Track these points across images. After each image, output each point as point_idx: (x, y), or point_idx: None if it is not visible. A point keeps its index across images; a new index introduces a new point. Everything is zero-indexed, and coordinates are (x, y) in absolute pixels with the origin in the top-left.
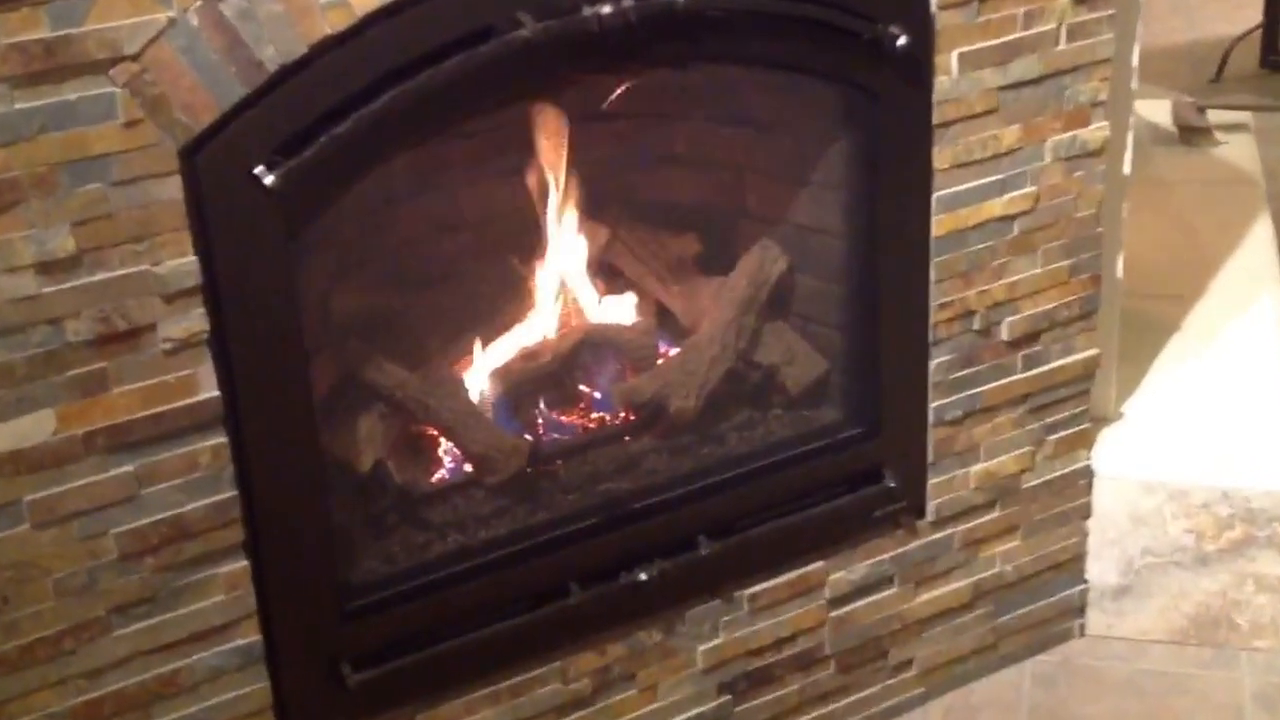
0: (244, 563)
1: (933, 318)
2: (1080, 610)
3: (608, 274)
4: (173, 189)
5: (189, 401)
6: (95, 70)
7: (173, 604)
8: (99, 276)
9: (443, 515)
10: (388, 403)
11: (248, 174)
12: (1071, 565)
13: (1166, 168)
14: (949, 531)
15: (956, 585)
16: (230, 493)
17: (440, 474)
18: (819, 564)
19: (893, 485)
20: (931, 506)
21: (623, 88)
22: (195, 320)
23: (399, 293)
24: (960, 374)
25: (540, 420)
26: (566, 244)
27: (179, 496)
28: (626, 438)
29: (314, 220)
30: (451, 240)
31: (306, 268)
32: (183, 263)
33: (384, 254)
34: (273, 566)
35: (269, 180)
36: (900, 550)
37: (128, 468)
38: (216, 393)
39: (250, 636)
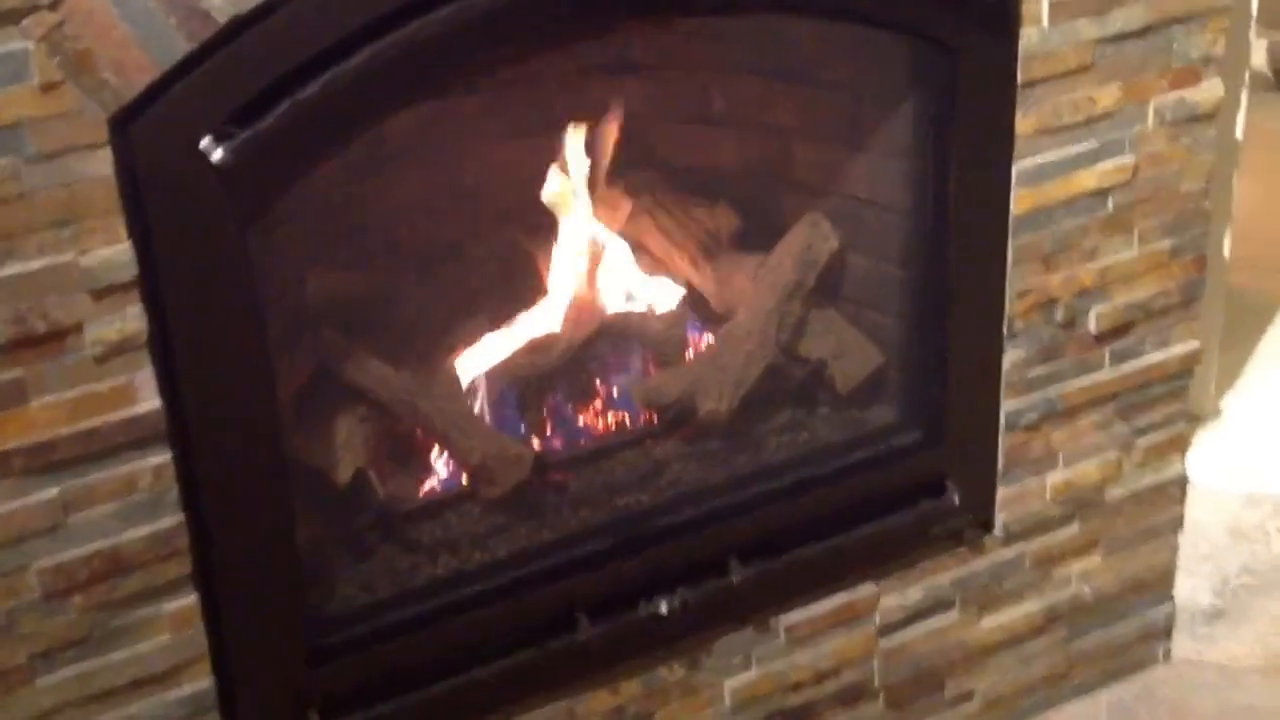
0: (193, 598)
1: (1009, 307)
2: (1166, 634)
3: (630, 252)
4: (101, 165)
5: (125, 414)
6: (4, 22)
7: (108, 647)
8: (13, 270)
9: (432, 534)
10: (369, 404)
11: (192, 148)
12: (1158, 584)
13: (1262, 119)
14: (1019, 549)
15: (1026, 608)
16: (175, 519)
17: (430, 486)
18: (868, 587)
19: (957, 498)
20: (1000, 521)
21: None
22: (131, 320)
23: (384, 276)
24: (1038, 371)
25: (548, 424)
26: (582, 218)
27: (114, 524)
28: (648, 444)
29: (275, 201)
30: (446, 214)
31: (271, 246)
32: (115, 252)
33: (367, 230)
34: (228, 601)
35: (217, 156)
36: (963, 571)
37: (51, 492)
38: (158, 403)
39: (201, 682)
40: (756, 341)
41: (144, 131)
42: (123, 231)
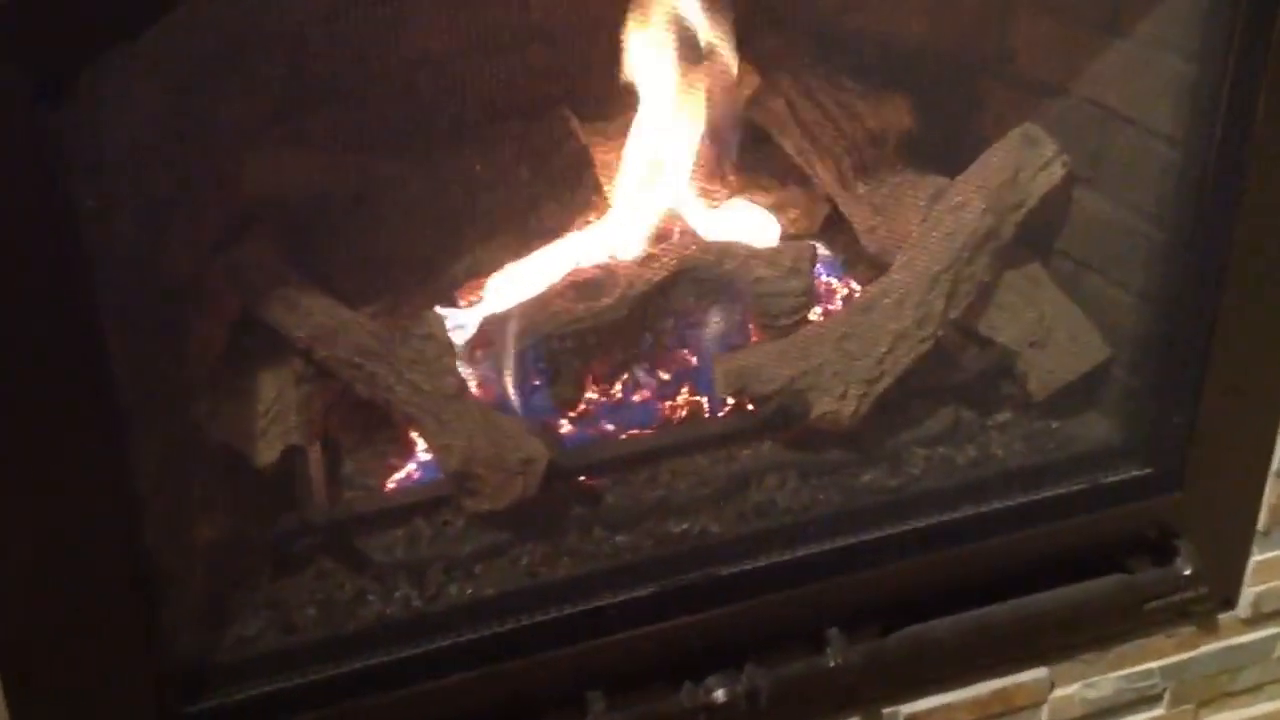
0: None
1: None
2: None
3: (749, 153)
4: None
5: None
6: None
7: None
8: None
9: (390, 551)
10: (308, 361)
11: None
12: None
13: None
14: (1269, 632)
15: (1266, 708)
16: None
17: (399, 478)
18: (1035, 671)
19: (1191, 565)
20: (1248, 595)
21: None
22: None
23: (352, 165)
24: None
25: (583, 403)
26: (676, 98)
27: None
28: (730, 448)
29: (91, 61)
30: (457, 75)
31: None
32: None
33: (329, 95)
34: (29, 654)
35: None
36: (1183, 656)
37: None
38: None
39: None
40: (912, 315)
41: None
42: None
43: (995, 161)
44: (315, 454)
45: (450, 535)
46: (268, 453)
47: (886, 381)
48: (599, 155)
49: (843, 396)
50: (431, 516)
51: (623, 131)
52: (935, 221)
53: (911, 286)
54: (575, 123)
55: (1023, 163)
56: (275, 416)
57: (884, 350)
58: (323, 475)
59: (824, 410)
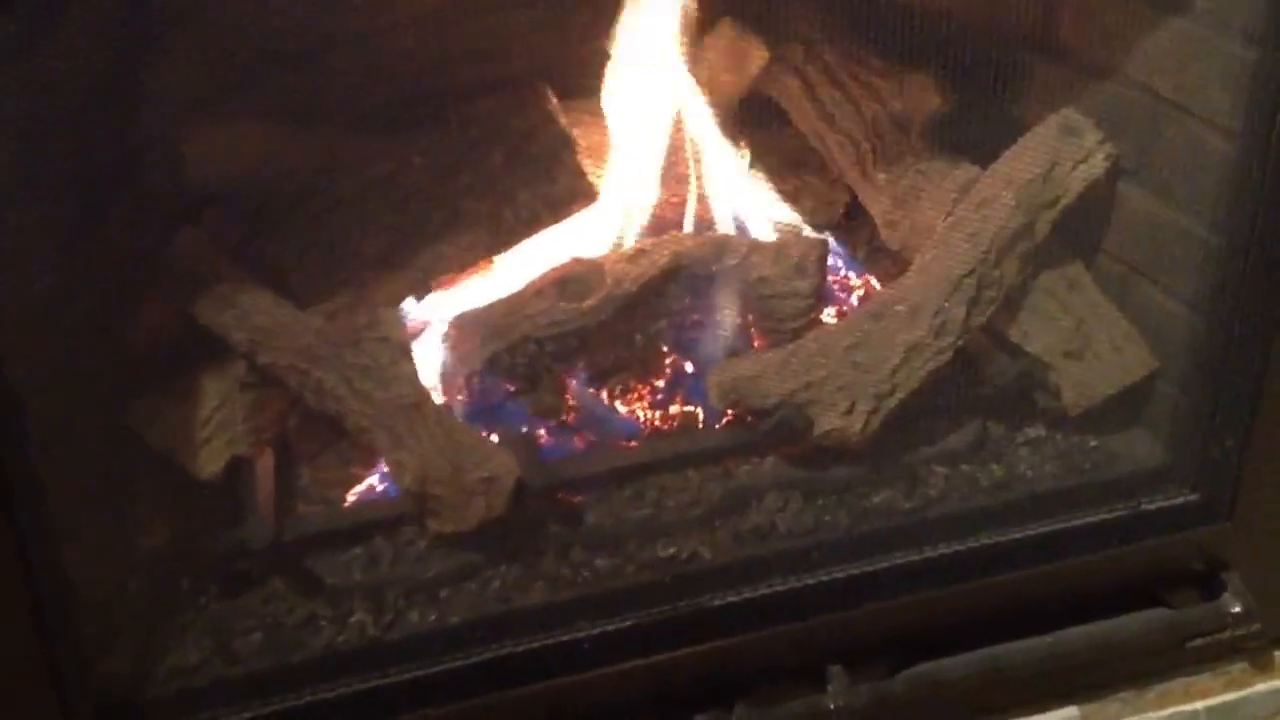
0: None
1: None
2: None
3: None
4: None
5: None
6: None
7: None
8: None
9: (346, 571)
10: (253, 365)
11: None
12: None
13: None
14: None
15: None
16: None
17: (357, 491)
18: (1066, 712)
19: (1240, 601)
20: None
21: None
22: None
23: (301, 146)
24: None
25: (563, 412)
26: (671, 75)
27: None
28: (726, 465)
29: None
30: (425, 50)
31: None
32: None
33: (278, 63)
34: None
35: None
36: (1234, 695)
37: None
38: None
39: None
40: (929, 323)
41: None
42: None
43: (1028, 153)
44: (265, 465)
45: (413, 556)
46: (211, 463)
47: (899, 396)
48: (583, 137)
49: (849, 412)
50: (393, 535)
51: (616, 113)
52: (958, 219)
53: (929, 292)
54: (554, 101)
55: (1060, 154)
56: (220, 424)
57: (896, 362)
58: (274, 488)
59: (828, 427)
